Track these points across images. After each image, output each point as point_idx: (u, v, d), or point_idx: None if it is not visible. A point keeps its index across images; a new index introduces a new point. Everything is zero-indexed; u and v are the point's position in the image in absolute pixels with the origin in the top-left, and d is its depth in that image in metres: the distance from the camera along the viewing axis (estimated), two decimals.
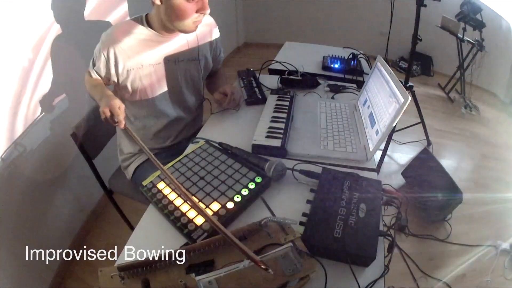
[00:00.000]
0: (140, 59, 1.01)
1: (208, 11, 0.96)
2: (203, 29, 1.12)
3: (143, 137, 1.18)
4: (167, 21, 0.97)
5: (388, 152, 2.19)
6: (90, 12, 1.47)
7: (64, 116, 1.41)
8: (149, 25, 1.01)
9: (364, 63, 1.63)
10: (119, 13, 1.67)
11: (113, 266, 0.57)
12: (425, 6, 1.67)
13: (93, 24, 1.49)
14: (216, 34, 1.19)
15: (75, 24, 1.43)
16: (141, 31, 1.01)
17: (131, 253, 0.65)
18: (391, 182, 2.08)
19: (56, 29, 1.31)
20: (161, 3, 0.93)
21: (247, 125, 1.09)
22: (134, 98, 1.09)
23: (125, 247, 0.68)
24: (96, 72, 1.02)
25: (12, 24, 1.11)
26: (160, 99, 1.12)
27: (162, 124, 1.17)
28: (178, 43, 1.07)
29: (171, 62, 1.07)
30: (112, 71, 1.00)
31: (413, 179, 2.02)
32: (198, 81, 1.19)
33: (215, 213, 0.72)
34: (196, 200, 0.76)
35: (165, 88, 1.11)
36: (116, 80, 1.03)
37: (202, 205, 0.74)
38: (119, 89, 1.08)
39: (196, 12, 0.94)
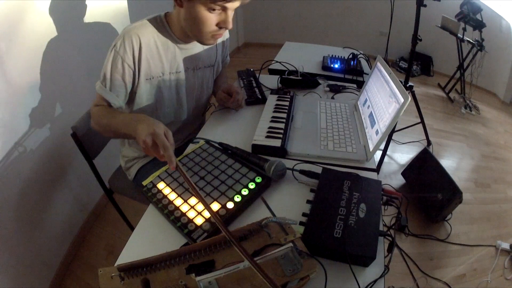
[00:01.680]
0: (161, 67, 0.95)
1: (230, 27, 0.85)
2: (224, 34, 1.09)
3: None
4: (186, 27, 0.89)
5: (388, 152, 2.19)
6: (89, 12, 1.47)
7: (64, 116, 1.41)
8: (169, 25, 0.93)
9: (364, 63, 1.63)
10: (119, 12, 1.68)
11: (113, 266, 0.57)
12: (425, 6, 1.67)
13: (93, 24, 1.49)
14: (228, 39, 1.17)
15: (75, 24, 1.43)
16: (161, 36, 0.92)
17: (131, 253, 0.65)
18: (391, 182, 2.08)
19: (56, 29, 1.31)
20: (182, 7, 0.84)
21: (247, 125, 1.09)
22: (147, 109, 1.00)
23: (125, 247, 0.68)
24: (115, 92, 0.88)
25: (12, 23, 1.11)
26: (174, 107, 1.07)
27: (171, 129, 1.15)
28: (197, 50, 1.02)
29: (190, 70, 1.03)
30: (135, 80, 0.90)
31: (413, 179, 2.02)
32: (211, 86, 1.18)
33: (215, 213, 0.72)
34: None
35: (184, 97, 1.07)
36: (135, 90, 0.94)
37: (202, 205, 0.74)
38: (130, 102, 0.98)
39: (217, 25, 0.85)
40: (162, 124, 0.72)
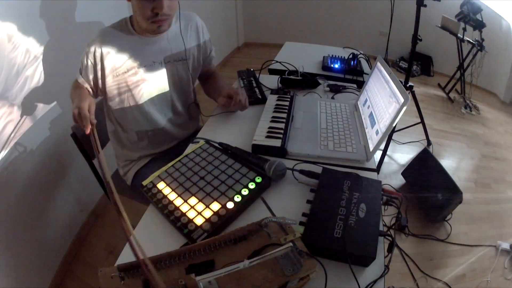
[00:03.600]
0: (127, 64, 1.01)
1: (163, 10, 0.91)
2: (188, 26, 1.11)
3: (138, 144, 1.17)
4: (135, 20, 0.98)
5: (388, 152, 2.19)
6: (90, 12, 1.47)
7: (64, 116, 1.41)
8: (133, 26, 1.01)
9: (364, 63, 1.63)
10: (120, 12, 1.68)
11: (113, 266, 0.57)
12: (425, 6, 1.67)
13: (93, 24, 1.50)
14: (204, 33, 1.17)
15: (75, 24, 1.43)
16: (124, 36, 1.00)
17: (131, 253, 0.65)
18: (391, 182, 2.08)
19: (56, 29, 1.31)
20: (129, 1, 0.93)
21: (247, 125, 1.09)
22: (123, 105, 1.08)
23: (125, 247, 0.68)
24: (83, 78, 1.01)
25: (11, 23, 1.11)
26: (148, 104, 1.10)
27: (154, 129, 1.16)
28: (162, 43, 1.05)
29: (157, 64, 1.06)
30: (99, 74, 1.00)
31: (413, 179, 2.02)
32: (187, 82, 1.18)
33: (215, 213, 0.72)
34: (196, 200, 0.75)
35: (154, 92, 1.10)
36: (102, 87, 1.03)
37: (202, 205, 0.74)
38: (107, 98, 1.07)
39: (152, 11, 0.91)
40: (90, 101, 0.89)
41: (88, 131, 0.82)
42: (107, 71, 1.00)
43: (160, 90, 1.11)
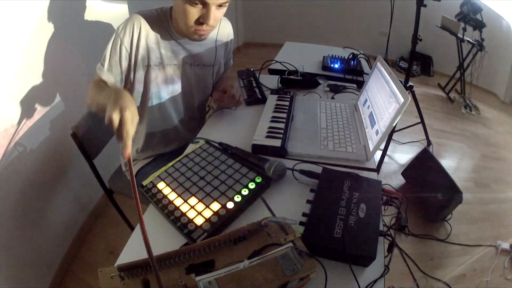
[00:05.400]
0: (159, 57, 0.97)
1: (210, 22, 0.86)
2: (222, 34, 1.09)
3: (148, 143, 1.16)
4: (176, 21, 0.92)
5: (388, 152, 2.19)
6: (90, 12, 1.47)
7: (64, 116, 1.41)
8: (171, 21, 0.96)
9: (364, 63, 1.63)
10: (120, 12, 1.68)
11: (113, 266, 0.57)
12: (425, 6, 1.67)
13: (94, 24, 1.49)
14: (231, 41, 1.17)
15: (75, 24, 1.43)
16: (161, 29, 0.94)
17: (131, 253, 0.65)
18: (391, 182, 2.08)
19: (56, 29, 1.31)
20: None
21: (247, 125, 1.09)
22: (144, 99, 1.03)
23: (125, 247, 0.68)
24: (110, 74, 0.91)
25: (11, 22, 1.11)
26: (170, 102, 1.09)
27: (168, 128, 1.15)
28: (196, 47, 1.04)
29: (187, 65, 1.04)
30: (132, 64, 0.92)
31: (413, 179, 2.02)
32: (209, 87, 1.18)
33: (215, 213, 0.72)
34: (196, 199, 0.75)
35: (178, 91, 1.08)
36: (133, 80, 0.96)
37: (202, 205, 0.74)
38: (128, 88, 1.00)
39: (198, 19, 0.86)
40: (134, 106, 0.63)
41: (128, 153, 0.55)
42: (138, 62, 0.94)
43: (185, 90, 1.10)
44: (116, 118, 0.58)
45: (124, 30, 0.90)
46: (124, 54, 0.92)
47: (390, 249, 0.67)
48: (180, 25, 0.91)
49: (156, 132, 1.15)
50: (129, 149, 0.56)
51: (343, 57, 1.64)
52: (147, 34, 0.92)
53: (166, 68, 1.00)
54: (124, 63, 0.93)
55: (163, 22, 0.94)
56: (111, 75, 0.93)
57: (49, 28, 1.28)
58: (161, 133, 1.16)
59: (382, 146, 2.07)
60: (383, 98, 0.98)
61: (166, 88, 1.05)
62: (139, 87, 1.00)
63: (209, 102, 1.27)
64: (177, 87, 1.07)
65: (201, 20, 0.86)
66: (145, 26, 0.91)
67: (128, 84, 0.99)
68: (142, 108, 1.07)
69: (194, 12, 0.84)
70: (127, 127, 0.58)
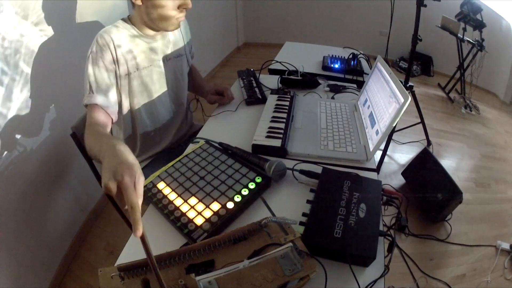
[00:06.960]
0: (136, 62, 0.99)
1: (190, 5, 0.92)
2: (184, 23, 1.13)
3: (143, 146, 1.17)
4: (149, 20, 0.94)
5: (388, 152, 2.19)
6: (88, 11, 1.47)
7: (64, 116, 1.41)
8: (134, 26, 0.98)
9: (364, 63, 1.63)
10: (118, 12, 1.68)
11: (113, 266, 0.57)
12: (425, 6, 1.67)
13: (92, 24, 1.49)
14: (186, 23, 1.18)
15: (74, 24, 1.43)
16: (129, 34, 0.96)
17: (131, 253, 0.65)
18: (391, 182, 2.08)
19: (55, 29, 1.31)
20: (142, 3, 0.89)
21: (247, 125, 1.09)
22: (132, 107, 1.05)
23: (125, 247, 0.68)
24: (103, 97, 0.90)
25: (10, 22, 1.11)
26: (157, 101, 1.10)
27: (160, 126, 1.16)
28: (164, 41, 1.06)
29: (163, 61, 1.07)
30: (117, 76, 0.95)
31: (413, 179, 2.02)
32: (187, 76, 1.22)
33: (215, 213, 0.72)
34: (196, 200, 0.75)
35: (163, 88, 1.10)
36: (117, 89, 0.98)
37: (202, 205, 0.74)
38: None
39: (178, 8, 0.91)
40: (137, 165, 0.53)
41: (140, 231, 0.45)
42: (121, 74, 0.96)
43: (168, 86, 1.12)
44: (113, 186, 0.48)
45: (100, 48, 0.90)
46: (110, 67, 0.93)
47: (390, 249, 0.67)
48: (159, 22, 0.93)
49: (150, 132, 1.16)
50: (139, 226, 0.44)
51: (343, 57, 1.64)
52: (120, 46, 0.93)
53: (146, 71, 1.02)
54: (112, 76, 0.94)
55: (129, 29, 0.97)
56: (103, 96, 0.92)
57: (49, 28, 1.28)
58: (154, 132, 1.17)
59: (382, 146, 2.07)
60: (383, 98, 0.98)
61: (151, 89, 1.06)
62: (124, 98, 1.02)
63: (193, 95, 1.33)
64: (160, 85, 1.09)
65: (184, 7, 0.92)
66: (116, 40, 0.92)
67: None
68: (132, 115, 1.08)
69: (173, 3, 0.90)
70: (131, 198, 0.47)
